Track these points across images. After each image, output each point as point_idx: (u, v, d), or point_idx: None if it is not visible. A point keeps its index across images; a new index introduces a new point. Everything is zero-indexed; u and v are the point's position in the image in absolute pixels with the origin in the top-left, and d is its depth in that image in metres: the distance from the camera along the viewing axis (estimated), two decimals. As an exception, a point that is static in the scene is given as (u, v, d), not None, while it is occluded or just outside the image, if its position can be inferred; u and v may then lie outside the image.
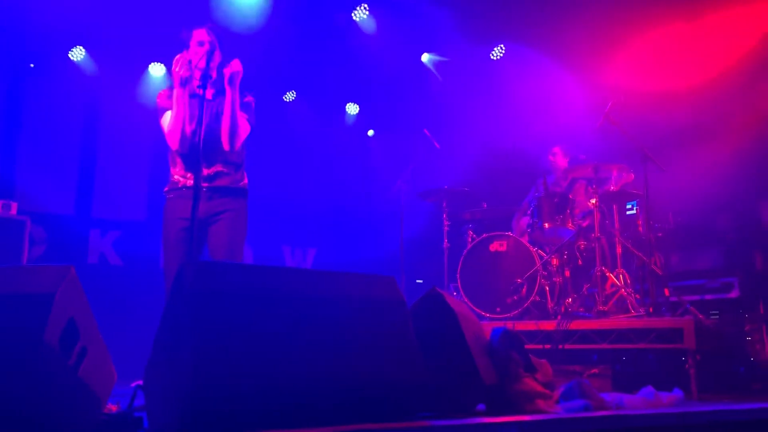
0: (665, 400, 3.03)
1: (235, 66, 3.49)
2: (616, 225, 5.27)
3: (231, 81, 3.48)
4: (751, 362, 5.10)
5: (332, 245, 7.97)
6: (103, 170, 6.96)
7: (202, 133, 3.06)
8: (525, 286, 5.03)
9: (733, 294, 5.54)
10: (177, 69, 3.40)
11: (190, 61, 3.42)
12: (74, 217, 6.78)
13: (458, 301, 2.97)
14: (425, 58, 7.29)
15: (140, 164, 7.08)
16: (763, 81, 6.17)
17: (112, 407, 2.47)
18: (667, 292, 4.96)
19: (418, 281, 7.40)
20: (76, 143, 6.91)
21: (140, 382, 3.72)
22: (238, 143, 3.60)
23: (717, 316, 5.51)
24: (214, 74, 3.52)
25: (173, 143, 3.53)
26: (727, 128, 5.94)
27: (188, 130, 3.48)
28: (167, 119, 3.54)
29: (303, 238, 8.00)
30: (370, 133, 8.44)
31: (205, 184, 3.52)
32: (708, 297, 5.63)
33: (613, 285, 4.93)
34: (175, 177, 3.63)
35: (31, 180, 6.36)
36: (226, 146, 3.55)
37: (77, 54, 6.53)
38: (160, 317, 2.15)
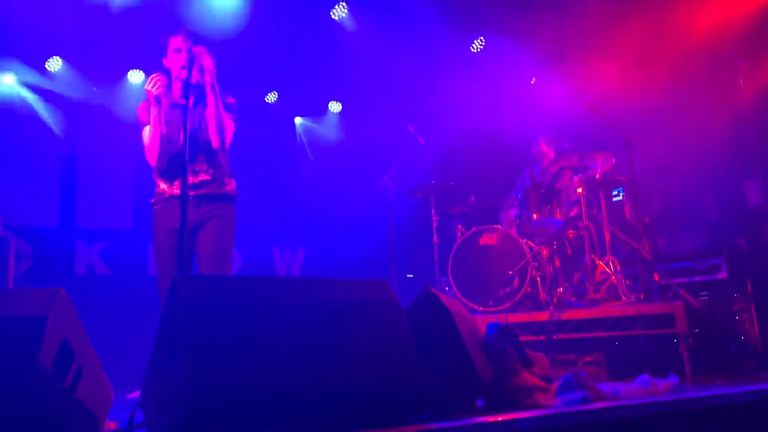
0: (661, 387, 3.06)
1: (207, 64, 3.41)
2: (603, 212, 5.30)
3: (206, 77, 3.42)
4: (741, 341, 5.16)
5: (321, 245, 7.95)
6: (86, 180, 6.89)
7: (188, 142, 3.04)
8: (516, 278, 5.05)
9: (722, 275, 5.60)
10: (150, 87, 3.37)
11: (166, 71, 3.42)
12: (59, 229, 6.70)
13: (452, 299, 2.98)
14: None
15: (124, 172, 7.01)
16: (742, 61, 6.24)
17: (111, 424, 2.45)
18: (656, 276, 5.01)
19: (408, 276, 7.41)
20: (57, 154, 6.82)
21: (135, 394, 3.69)
22: (228, 138, 3.58)
23: (706, 297, 5.57)
24: (196, 81, 3.48)
25: (151, 159, 3.53)
26: (707, 109, 5.99)
27: (168, 144, 3.47)
28: (146, 134, 3.52)
29: (292, 238, 7.97)
30: (353, 130, 8.41)
31: (192, 192, 3.49)
32: (697, 279, 5.68)
33: (603, 272, 4.96)
34: (161, 187, 3.61)
35: (12, 194, 6.28)
36: (215, 143, 3.53)
37: (54, 64, 6.45)
38: (149, 325, 2.14)
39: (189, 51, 3.43)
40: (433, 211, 5.99)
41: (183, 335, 1.96)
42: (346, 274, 2.71)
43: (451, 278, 5.36)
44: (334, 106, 8.16)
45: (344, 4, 6.55)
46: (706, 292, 5.63)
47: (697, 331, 4.48)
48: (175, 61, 3.51)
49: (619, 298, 4.76)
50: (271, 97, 7.69)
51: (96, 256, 6.82)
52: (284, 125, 7.90)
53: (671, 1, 6.00)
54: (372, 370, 2.25)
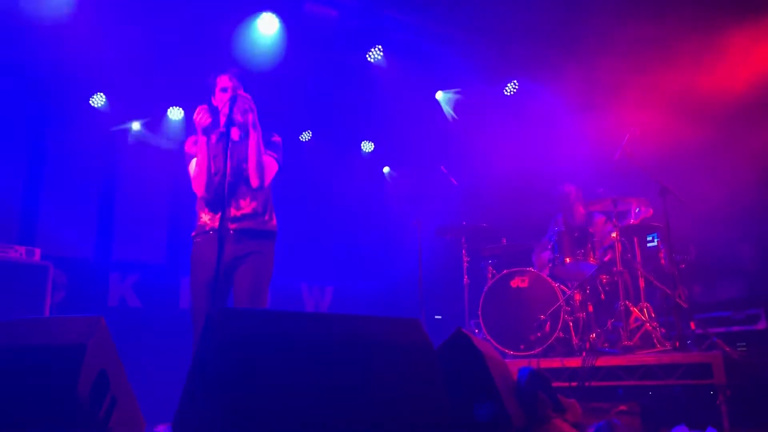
0: (699, 440, 2.96)
1: (248, 105, 3.47)
2: (638, 258, 5.23)
3: (248, 116, 3.49)
4: (782, 395, 4.98)
5: (350, 282, 7.96)
6: (122, 213, 7.03)
7: (229, 173, 3.08)
8: (548, 323, 4.98)
9: (761, 325, 5.45)
10: (197, 117, 3.45)
11: (213, 108, 3.47)
12: (94, 261, 6.82)
13: (484, 342, 2.95)
14: (439, 95, 7.35)
15: (159, 207, 7.14)
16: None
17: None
18: (693, 325, 4.89)
19: (436, 317, 7.35)
20: (96, 187, 6.99)
21: (161, 428, 3.68)
22: (267, 179, 3.60)
23: (744, 348, 5.41)
24: (239, 118, 3.55)
25: (198, 189, 3.56)
26: (744, 158, 5.90)
27: (213, 176, 3.52)
28: (193, 165, 3.59)
29: (320, 274, 8.00)
30: (386, 170, 8.50)
31: (233, 226, 3.51)
32: (734, 329, 5.54)
33: (638, 319, 4.87)
34: (203, 219, 3.63)
35: (52, 224, 6.43)
36: (255, 183, 3.55)
37: (98, 100, 6.66)
38: (178, 358, 2.15)
39: (234, 89, 3.51)
40: (464, 251, 5.97)
41: (218, 369, 1.97)
42: (374, 313, 2.69)
43: (481, 320, 5.31)
44: (367, 146, 8.25)
45: (380, 47, 6.66)
46: (744, 343, 5.48)
47: (737, 382, 4.34)
48: (221, 99, 3.60)
49: (653, 346, 4.65)
50: (306, 136, 7.82)
51: (129, 289, 6.91)
52: (318, 164, 8.01)
53: (708, 53, 5.98)
54: (402, 410, 2.22)
